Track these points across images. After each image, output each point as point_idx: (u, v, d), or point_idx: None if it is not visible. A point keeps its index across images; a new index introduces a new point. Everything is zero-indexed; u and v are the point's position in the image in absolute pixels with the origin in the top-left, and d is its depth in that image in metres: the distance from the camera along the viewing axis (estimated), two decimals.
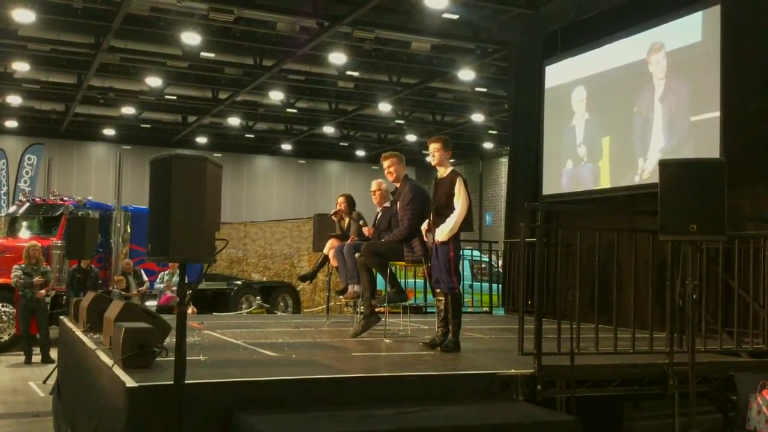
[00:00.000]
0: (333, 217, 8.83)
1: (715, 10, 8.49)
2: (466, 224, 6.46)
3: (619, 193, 9.76)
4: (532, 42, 12.02)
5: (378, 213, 8.00)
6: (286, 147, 31.97)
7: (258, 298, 17.05)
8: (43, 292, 12.14)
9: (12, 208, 17.15)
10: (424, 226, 6.77)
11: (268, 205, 32.61)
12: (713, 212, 5.32)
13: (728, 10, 8.35)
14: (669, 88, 9.16)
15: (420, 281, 10.30)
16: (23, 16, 14.97)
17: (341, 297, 8.48)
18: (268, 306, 16.62)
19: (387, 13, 15.34)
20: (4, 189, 25.72)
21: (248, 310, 16.40)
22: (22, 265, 12.11)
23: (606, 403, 5.87)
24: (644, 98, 9.49)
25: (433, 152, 6.64)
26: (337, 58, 17.82)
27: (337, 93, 23.11)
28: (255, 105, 24.73)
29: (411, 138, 28.77)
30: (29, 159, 25.05)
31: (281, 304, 17.82)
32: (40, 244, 12.86)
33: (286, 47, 17.49)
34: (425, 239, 6.82)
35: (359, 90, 22.45)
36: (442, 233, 6.43)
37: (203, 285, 16.63)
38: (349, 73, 20.10)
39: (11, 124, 27.63)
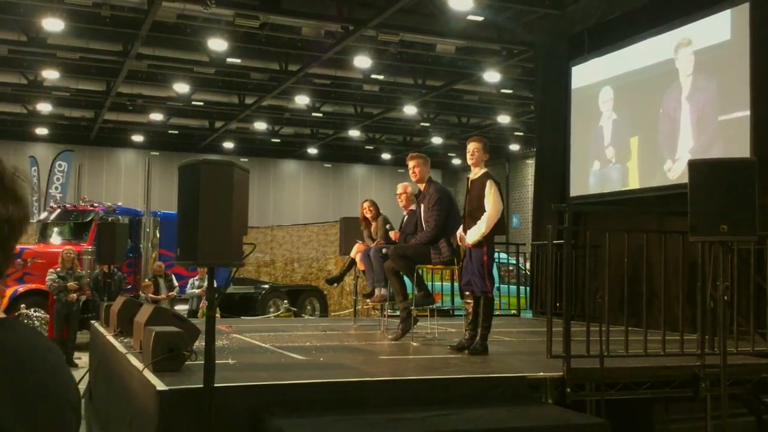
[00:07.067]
0: (362, 223, 8.80)
1: (744, 8, 8.39)
2: (498, 227, 6.42)
3: (647, 193, 9.66)
4: (557, 42, 11.95)
5: (404, 216, 8.00)
6: (312, 151, 32.09)
7: (285, 301, 17.11)
8: (74, 295, 12.09)
9: (43, 215, 17.34)
10: (460, 232, 6.72)
11: (295, 209, 32.72)
12: (744, 212, 5.24)
13: (757, 8, 8.25)
14: (696, 87, 9.06)
15: (447, 284, 10.28)
16: (52, 25, 15.19)
17: (368, 300, 8.49)
18: (295, 309, 16.68)
19: (411, 16, 15.33)
20: (36, 195, 26.04)
21: (276, 313, 16.47)
22: (57, 269, 12.22)
23: (636, 406, 5.81)
24: (671, 98, 9.40)
25: (473, 151, 6.58)
26: (362, 61, 17.85)
27: (362, 96, 23.13)
28: (281, 110, 24.86)
29: (437, 141, 28.75)
30: (60, 166, 25.36)
31: (308, 307, 17.87)
32: (74, 249, 13.00)
33: (311, 52, 17.56)
34: (459, 243, 6.78)
35: (384, 93, 22.47)
36: (473, 236, 6.40)
37: (231, 289, 16.74)
38: (374, 76, 20.12)
39: (42, 131, 28.03)
